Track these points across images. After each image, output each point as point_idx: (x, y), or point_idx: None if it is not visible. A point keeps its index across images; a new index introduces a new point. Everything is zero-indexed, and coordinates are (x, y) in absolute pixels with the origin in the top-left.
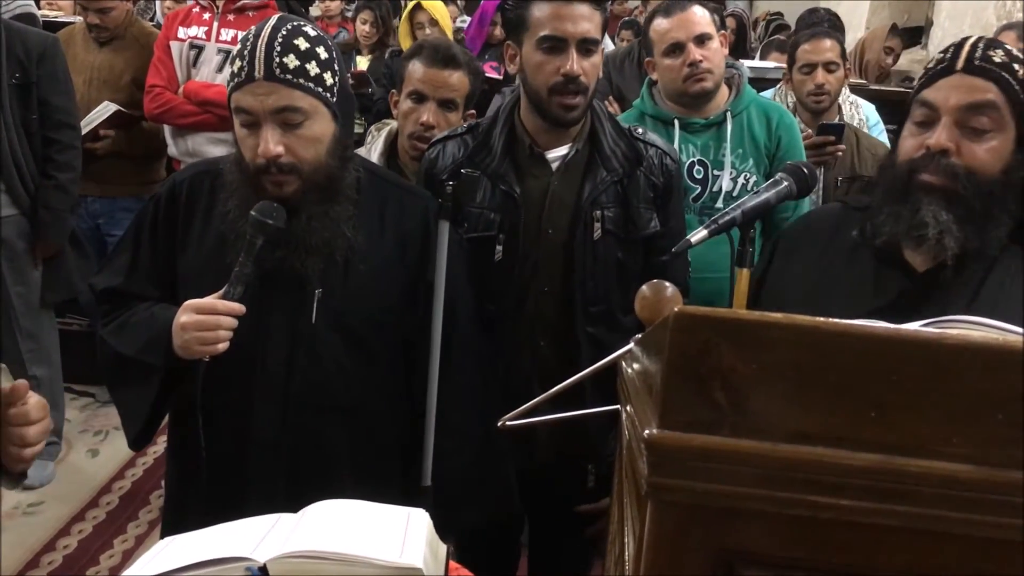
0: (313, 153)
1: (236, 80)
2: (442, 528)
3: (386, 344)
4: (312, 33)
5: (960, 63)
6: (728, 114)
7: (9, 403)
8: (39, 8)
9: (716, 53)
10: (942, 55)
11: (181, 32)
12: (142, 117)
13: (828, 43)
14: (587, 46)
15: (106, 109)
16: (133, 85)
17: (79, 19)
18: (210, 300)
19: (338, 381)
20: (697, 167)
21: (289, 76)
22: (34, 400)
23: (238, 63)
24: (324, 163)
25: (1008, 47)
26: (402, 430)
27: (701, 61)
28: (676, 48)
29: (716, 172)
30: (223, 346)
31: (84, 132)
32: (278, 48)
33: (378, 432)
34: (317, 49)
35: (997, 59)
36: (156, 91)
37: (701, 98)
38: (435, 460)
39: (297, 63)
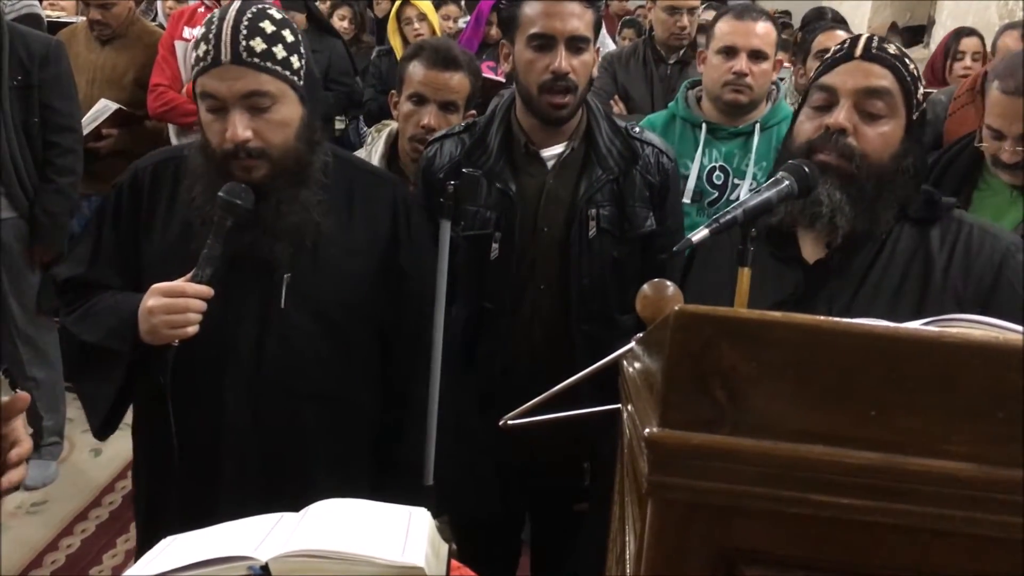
0: (282, 137)
1: (202, 64)
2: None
3: (357, 330)
4: (277, 16)
5: (859, 51)
6: (758, 126)
7: (7, 416)
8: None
9: (764, 74)
10: (839, 47)
11: (186, 32)
12: (144, 116)
13: (843, 34)
14: (577, 44)
15: (106, 108)
16: (135, 84)
17: (81, 19)
18: (178, 283)
19: (309, 366)
20: (718, 173)
21: (256, 60)
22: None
23: (203, 47)
24: (293, 147)
25: (899, 44)
26: (375, 418)
27: (746, 75)
28: (729, 51)
29: (736, 181)
30: (193, 329)
31: (86, 132)
32: (244, 31)
33: (351, 419)
34: (283, 32)
35: (891, 51)
36: (160, 90)
37: (733, 107)
38: (411, 452)
39: (264, 46)
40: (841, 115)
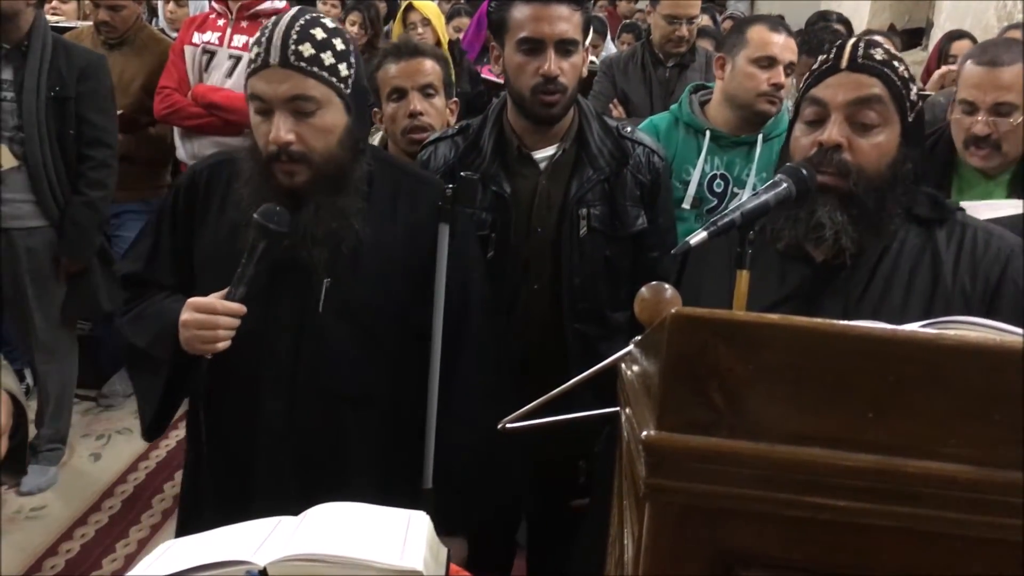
0: (323, 143)
1: (252, 66)
2: (456, 524)
3: (395, 334)
4: (330, 25)
5: (844, 61)
6: (760, 136)
7: None
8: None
9: (787, 89)
10: (825, 56)
11: (196, 37)
12: (148, 122)
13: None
14: (566, 47)
15: None
16: (142, 90)
17: (82, 23)
18: (211, 300)
19: (345, 370)
20: (718, 180)
21: (303, 64)
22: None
23: (255, 50)
24: (335, 154)
25: (887, 46)
26: (412, 422)
27: (782, 87)
28: (769, 62)
29: (736, 190)
30: (222, 345)
31: None
32: (295, 36)
33: (387, 423)
34: (334, 40)
35: (878, 56)
36: (165, 92)
37: (763, 118)
38: (449, 454)
39: (312, 52)
40: (834, 131)
